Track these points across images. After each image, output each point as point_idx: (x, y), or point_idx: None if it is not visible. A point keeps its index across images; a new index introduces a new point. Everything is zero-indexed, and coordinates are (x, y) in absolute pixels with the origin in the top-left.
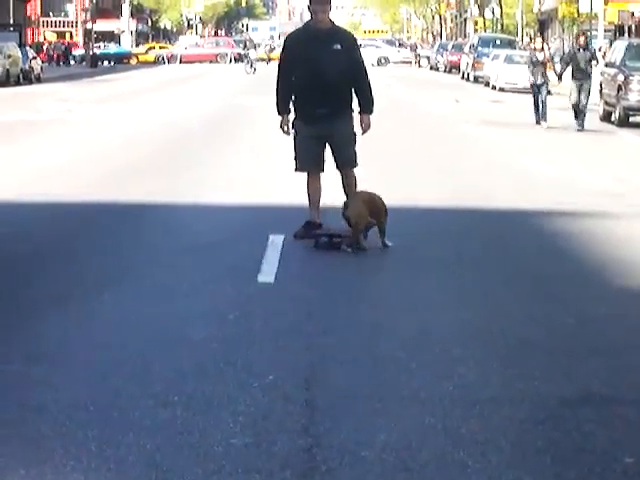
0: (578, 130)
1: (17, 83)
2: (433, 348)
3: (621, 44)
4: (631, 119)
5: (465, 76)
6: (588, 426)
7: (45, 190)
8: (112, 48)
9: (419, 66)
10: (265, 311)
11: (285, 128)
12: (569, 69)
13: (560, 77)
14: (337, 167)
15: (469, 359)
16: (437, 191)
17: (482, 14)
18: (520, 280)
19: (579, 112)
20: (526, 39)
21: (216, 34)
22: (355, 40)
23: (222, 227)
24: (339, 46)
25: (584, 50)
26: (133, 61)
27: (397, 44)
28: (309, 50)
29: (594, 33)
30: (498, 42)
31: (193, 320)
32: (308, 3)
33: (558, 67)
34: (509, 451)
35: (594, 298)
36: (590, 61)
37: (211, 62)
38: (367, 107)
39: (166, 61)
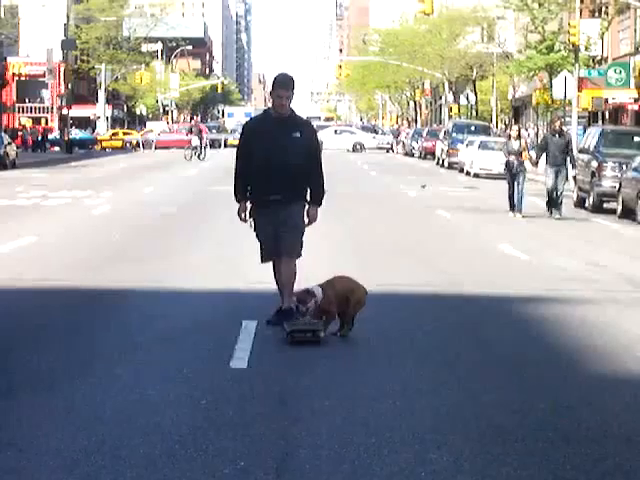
0: (555, 218)
1: None
2: (405, 435)
3: (594, 130)
4: (605, 205)
5: (440, 162)
6: None
7: (15, 275)
8: (77, 134)
9: (396, 152)
10: (237, 397)
11: (242, 215)
12: (544, 155)
13: (536, 164)
14: (279, 254)
15: (442, 445)
16: (411, 276)
17: (457, 100)
18: (494, 366)
19: (555, 199)
20: (501, 126)
21: (191, 119)
22: (314, 130)
23: (195, 313)
24: (298, 134)
25: (560, 136)
26: (97, 147)
27: (372, 130)
28: (269, 137)
29: (567, 119)
30: (472, 128)
31: (165, 406)
32: (271, 88)
33: (534, 154)
34: None
35: (568, 384)
36: (566, 147)
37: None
38: (317, 199)
39: (141, 146)
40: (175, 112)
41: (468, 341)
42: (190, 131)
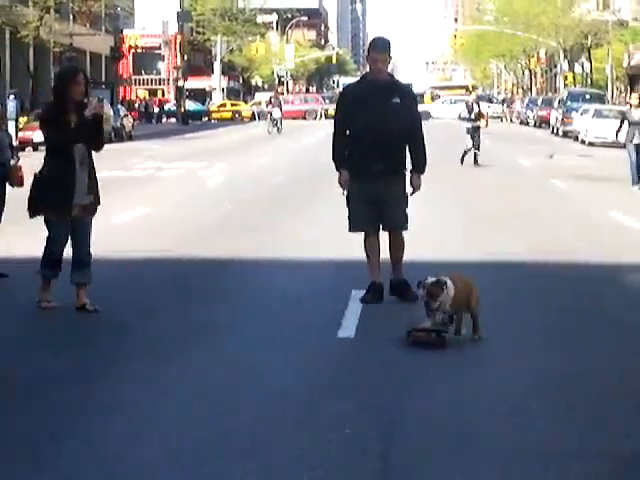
0: None
1: (109, 141)
2: (514, 400)
3: None
4: None
5: (554, 130)
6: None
7: (129, 247)
8: (191, 105)
9: (511, 121)
10: (343, 365)
11: (344, 184)
12: None
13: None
14: (384, 229)
15: (550, 410)
16: (525, 244)
17: (572, 69)
18: (610, 333)
19: None
20: (616, 93)
21: (307, 90)
22: (414, 95)
23: (306, 282)
24: (398, 99)
25: None
26: (206, 118)
27: (487, 99)
28: (368, 103)
29: None
30: (587, 97)
31: (274, 373)
32: (367, 52)
33: None
34: None
35: None
36: None
37: (302, 118)
38: (420, 167)
39: (257, 117)
40: (290, 83)
41: (584, 309)
42: (270, 102)
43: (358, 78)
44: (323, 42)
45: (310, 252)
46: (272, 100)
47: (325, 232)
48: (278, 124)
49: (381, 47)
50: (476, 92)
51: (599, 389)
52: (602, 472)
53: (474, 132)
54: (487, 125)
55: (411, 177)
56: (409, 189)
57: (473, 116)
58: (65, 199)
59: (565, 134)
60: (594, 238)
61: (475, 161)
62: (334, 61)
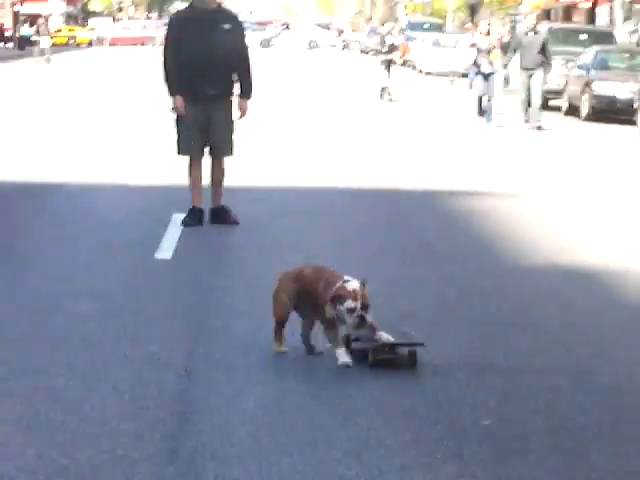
0: (535, 127)
1: None
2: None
3: (542, 28)
4: (551, 103)
5: None
6: (452, 390)
7: None
8: (27, 31)
9: (347, 49)
10: (158, 287)
11: (182, 109)
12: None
13: (506, 66)
14: (210, 154)
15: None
16: (353, 172)
17: None
18: (416, 256)
19: (531, 105)
20: (457, 23)
21: (148, 17)
22: (241, 22)
23: (127, 206)
24: (228, 26)
25: (535, 33)
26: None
27: (327, 28)
28: (196, 29)
29: (519, 17)
30: (426, 26)
31: (83, 295)
32: None
33: (504, 55)
34: (375, 414)
35: (485, 273)
36: (542, 47)
37: (141, 45)
38: (247, 91)
39: (93, 43)
40: (132, 9)
41: (393, 230)
42: (37, 31)
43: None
44: None
45: (133, 176)
46: (39, 28)
47: (150, 156)
48: (47, 54)
49: None
50: (395, 25)
51: (402, 310)
52: (403, 382)
53: (387, 65)
54: (403, 56)
55: (239, 102)
56: (237, 114)
57: (386, 48)
58: None
59: (404, 63)
60: (423, 166)
61: (382, 95)
62: None
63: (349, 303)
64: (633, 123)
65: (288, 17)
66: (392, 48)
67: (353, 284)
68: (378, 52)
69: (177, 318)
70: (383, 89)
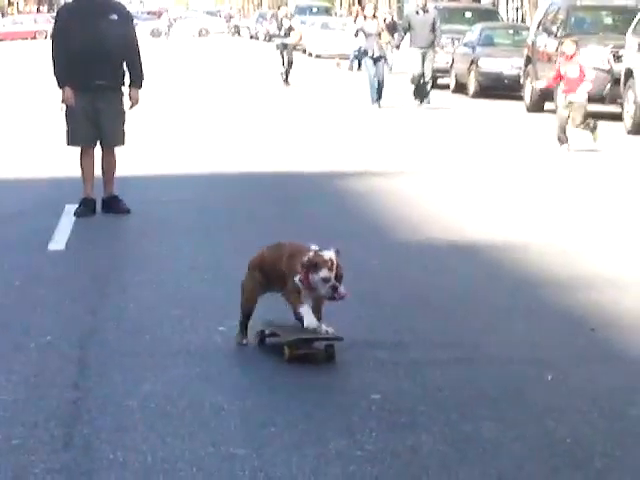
0: (425, 107)
1: None
2: (209, 305)
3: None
4: (439, 81)
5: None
6: (342, 367)
7: None
8: None
9: (237, 35)
10: (52, 278)
11: (71, 101)
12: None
13: (398, 47)
14: (101, 144)
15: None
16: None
17: None
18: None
19: (423, 85)
20: (354, 7)
21: (38, 10)
22: (129, 12)
23: (18, 199)
24: (115, 16)
25: (425, 12)
26: None
27: (217, 15)
28: (84, 20)
29: None
30: (315, 10)
31: None
32: None
33: (396, 36)
34: (265, 393)
35: (372, 251)
36: (432, 26)
37: (32, 39)
38: (138, 81)
39: None
40: (22, 3)
41: (287, 214)
42: None
43: None
44: None
45: (25, 169)
46: None
47: (41, 149)
48: None
49: None
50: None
51: None
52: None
53: (284, 48)
54: (300, 40)
55: (129, 91)
56: (127, 104)
57: (283, 32)
58: None
59: (295, 47)
60: (311, 150)
61: (285, 80)
62: None
63: (324, 272)
64: (520, 98)
65: (179, 6)
66: (289, 31)
67: (329, 253)
68: (275, 36)
69: (70, 307)
70: (283, 73)
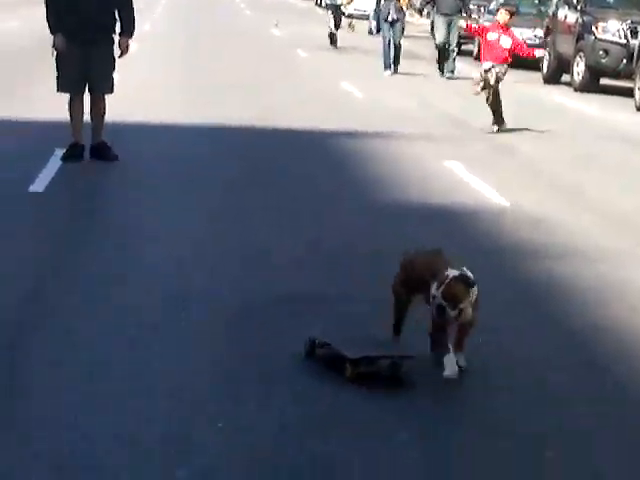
0: (447, 77)
1: None
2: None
3: None
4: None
5: (318, 2)
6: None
7: None
8: None
9: None
10: (27, 218)
11: (62, 47)
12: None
13: (420, 12)
14: (90, 91)
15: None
16: (247, 110)
17: None
18: (295, 195)
19: (447, 55)
20: None
21: None
22: None
23: (9, 141)
24: None
25: None
26: None
27: None
28: None
29: None
30: None
31: None
32: None
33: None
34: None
35: (355, 213)
36: None
37: None
38: (128, 29)
39: None
40: None
41: (272, 172)
42: None
43: None
44: None
45: (17, 111)
46: None
47: (36, 92)
48: None
49: None
50: None
51: (258, 246)
52: (231, 315)
53: (335, 10)
54: (351, 1)
55: (120, 40)
56: (117, 52)
57: None
58: None
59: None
60: (316, 107)
61: (335, 42)
62: None
63: (433, 288)
64: (538, 69)
65: None
66: None
67: (450, 272)
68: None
69: (30, 247)
70: (331, 35)
